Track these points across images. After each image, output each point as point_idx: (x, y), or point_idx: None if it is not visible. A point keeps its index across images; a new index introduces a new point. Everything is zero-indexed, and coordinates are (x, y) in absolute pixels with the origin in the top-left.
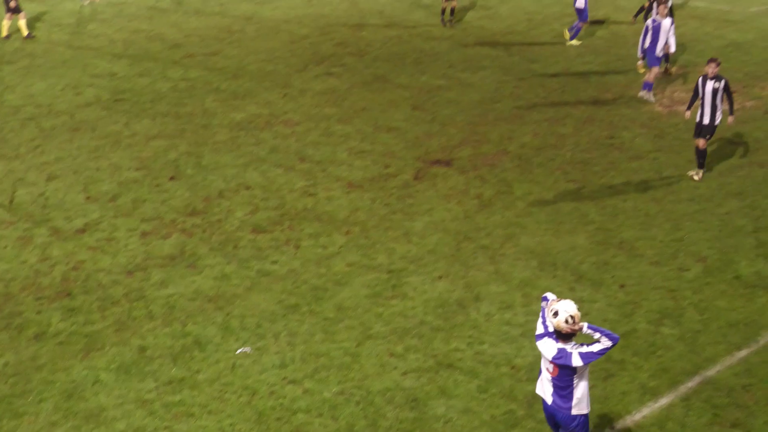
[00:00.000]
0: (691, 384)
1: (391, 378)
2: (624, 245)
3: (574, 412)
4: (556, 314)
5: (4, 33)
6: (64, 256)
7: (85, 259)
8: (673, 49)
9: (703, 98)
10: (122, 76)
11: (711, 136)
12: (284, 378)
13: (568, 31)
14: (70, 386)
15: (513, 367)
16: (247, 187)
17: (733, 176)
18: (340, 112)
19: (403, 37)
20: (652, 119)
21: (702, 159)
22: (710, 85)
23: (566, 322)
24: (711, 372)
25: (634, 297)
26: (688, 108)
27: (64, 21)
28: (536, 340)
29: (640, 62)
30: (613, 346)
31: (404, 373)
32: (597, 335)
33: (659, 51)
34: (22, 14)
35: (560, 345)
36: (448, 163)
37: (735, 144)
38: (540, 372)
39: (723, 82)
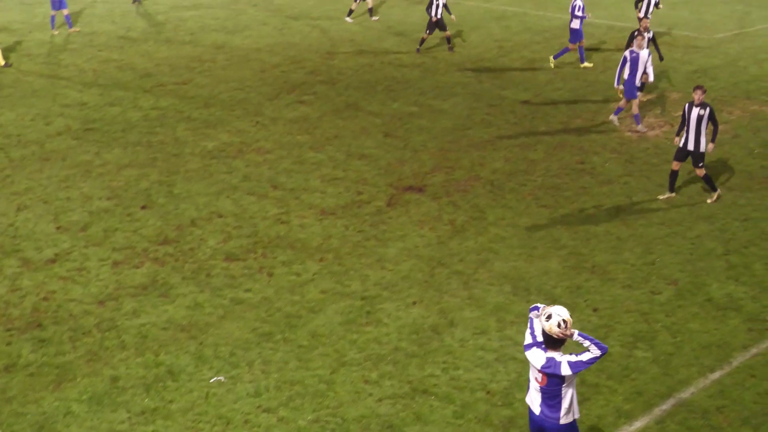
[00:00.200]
0: (666, 407)
1: (366, 405)
2: (596, 269)
3: (562, 422)
4: (549, 317)
5: None
6: (34, 286)
7: (55, 289)
8: (651, 78)
9: (688, 125)
10: (93, 105)
11: (702, 162)
12: (259, 406)
13: (554, 58)
14: (41, 418)
15: (488, 392)
16: (220, 216)
17: (702, 200)
18: (312, 139)
19: (374, 65)
20: (622, 144)
21: (709, 182)
22: (695, 111)
23: (559, 326)
24: (685, 394)
25: (607, 320)
26: (677, 134)
27: (34, 51)
28: (525, 350)
29: (619, 87)
30: (602, 355)
31: (379, 400)
32: (586, 343)
33: (638, 81)
34: None
35: (549, 354)
36: (420, 190)
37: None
38: (529, 382)
39: (708, 110)
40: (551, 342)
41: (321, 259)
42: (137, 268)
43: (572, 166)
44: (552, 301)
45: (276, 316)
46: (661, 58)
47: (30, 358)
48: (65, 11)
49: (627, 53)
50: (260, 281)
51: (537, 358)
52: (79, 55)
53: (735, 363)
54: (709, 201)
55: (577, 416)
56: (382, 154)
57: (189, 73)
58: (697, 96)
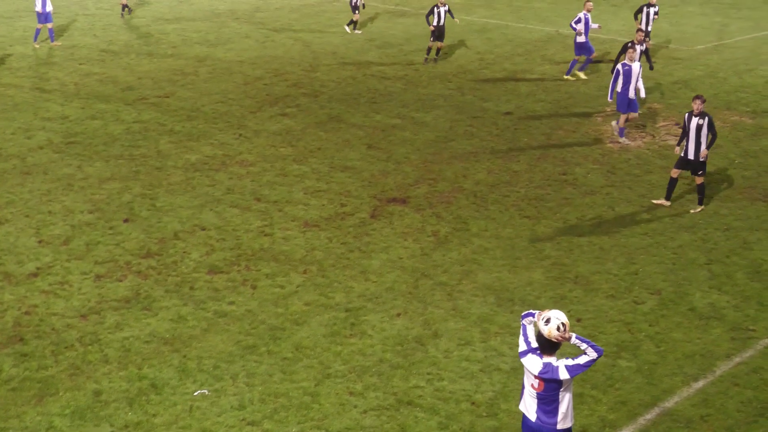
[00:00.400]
0: (650, 416)
1: (351, 417)
2: (579, 280)
3: (559, 427)
4: (547, 321)
5: None
6: (16, 300)
7: (37, 303)
8: (643, 94)
9: (688, 134)
10: (74, 118)
11: (703, 171)
12: (243, 419)
13: (578, 71)
14: None
15: (473, 403)
16: (203, 228)
17: (684, 210)
18: (295, 152)
19: (356, 78)
20: (604, 155)
21: (701, 193)
22: (695, 121)
23: (558, 329)
24: (669, 403)
25: (591, 330)
26: (678, 143)
27: (15, 64)
28: (520, 357)
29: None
30: (598, 357)
31: (364, 412)
32: (583, 346)
33: (631, 94)
34: None
35: (545, 360)
36: (404, 201)
37: (685, 178)
38: (522, 389)
39: (707, 119)
40: (547, 347)
41: (305, 272)
42: (120, 281)
43: (555, 177)
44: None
45: (260, 329)
46: (651, 68)
47: (12, 372)
48: (50, 25)
49: (619, 66)
50: (244, 294)
51: (533, 364)
52: (61, 69)
53: (718, 372)
54: (692, 211)
55: (571, 423)
56: (366, 166)
57: (171, 86)
58: (696, 106)
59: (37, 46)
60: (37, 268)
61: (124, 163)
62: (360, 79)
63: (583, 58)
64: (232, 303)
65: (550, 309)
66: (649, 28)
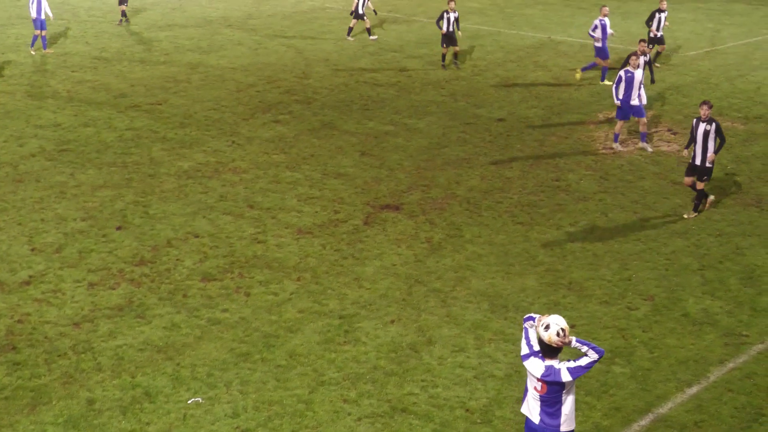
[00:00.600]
0: (644, 422)
1: (345, 424)
2: (573, 286)
3: (563, 429)
4: (547, 327)
5: None
6: (8, 309)
7: (30, 311)
8: (644, 101)
9: (695, 140)
10: (67, 126)
11: (708, 177)
12: (237, 427)
13: (581, 71)
14: None
15: (467, 410)
16: (196, 236)
17: (677, 216)
18: (288, 159)
19: (349, 84)
20: (597, 161)
21: (698, 199)
22: (702, 127)
23: (558, 334)
24: (663, 409)
25: (584, 337)
26: (686, 147)
27: (7, 72)
28: (522, 360)
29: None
30: (599, 359)
31: (358, 419)
32: (584, 348)
33: (634, 100)
34: None
35: (547, 362)
36: (397, 208)
37: (677, 184)
38: (525, 392)
39: (714, 125)
40: (549, 350)
41: (298, 279)
42: (113, 289)
43: (548, 183)
44: None
45: (253, 336)
46: (652, 81)
47: (4, 381)
48: (44, 32)
49: (622, 72)
50: (237, 301)
51: (536, 367)
52: (53, 76)
53: (712, 377)
54: (686, 216)
55: (573, 427)
56: (359, 172)
57: (164, 93)
58: (704, 111)
59: (32, 52)
60: (30, 276)
61: (116, 170)
62: (353, 85)
63: (601, 62)
64: (225, 310)
65: (549, 315)
66: (660, 33)
